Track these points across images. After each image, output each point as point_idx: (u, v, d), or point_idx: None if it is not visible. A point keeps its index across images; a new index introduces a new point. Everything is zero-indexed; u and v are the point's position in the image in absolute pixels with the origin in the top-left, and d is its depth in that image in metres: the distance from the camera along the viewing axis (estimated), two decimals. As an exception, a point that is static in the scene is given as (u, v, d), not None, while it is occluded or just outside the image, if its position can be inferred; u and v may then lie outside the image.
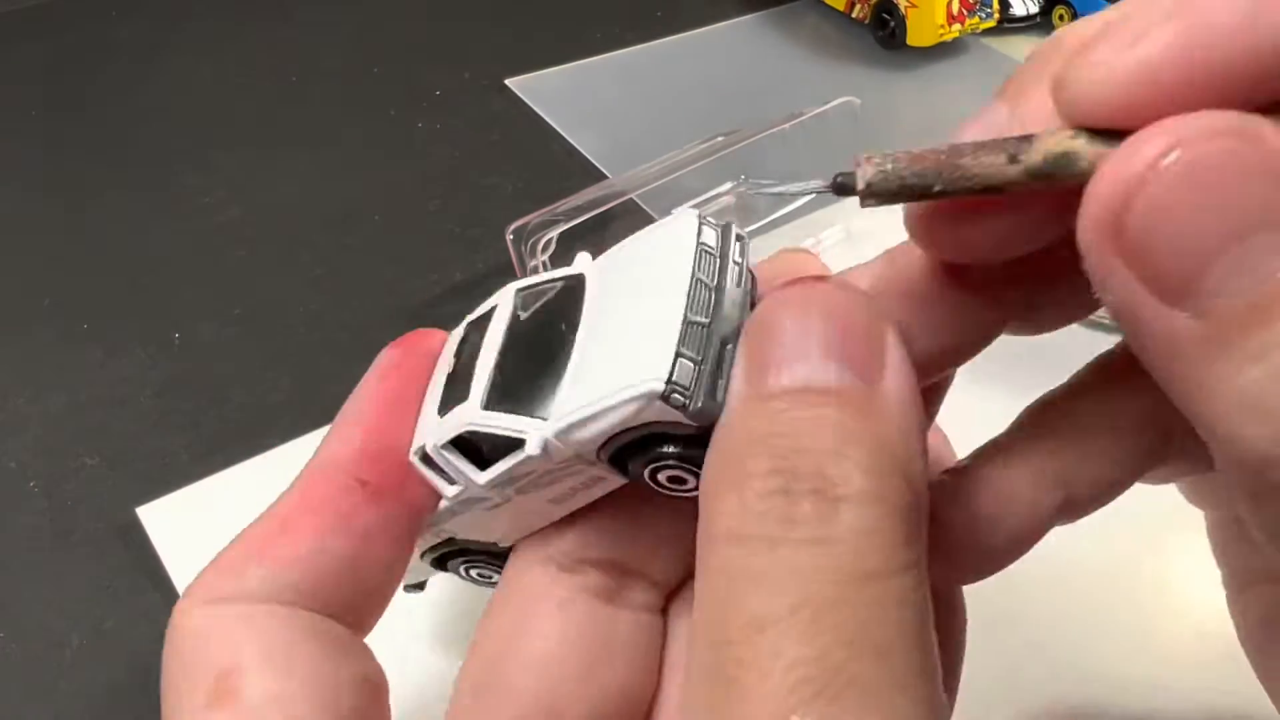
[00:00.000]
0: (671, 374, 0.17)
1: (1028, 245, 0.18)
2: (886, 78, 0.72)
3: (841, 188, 0.17)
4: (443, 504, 0.22)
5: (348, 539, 0.21)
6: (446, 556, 0.25)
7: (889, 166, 0.17)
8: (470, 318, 0.23)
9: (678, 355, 0.18)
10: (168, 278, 0.56)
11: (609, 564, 0.21)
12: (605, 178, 0.61)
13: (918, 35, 0.72)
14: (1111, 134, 0.15)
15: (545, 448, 0.19)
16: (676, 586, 0.22)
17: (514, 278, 0.23)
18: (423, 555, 0.26)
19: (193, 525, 0.42)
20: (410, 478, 0.22)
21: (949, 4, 0.71)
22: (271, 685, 0.19)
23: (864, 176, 0.17)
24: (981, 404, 0.26)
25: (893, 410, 0.16)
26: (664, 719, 0.21)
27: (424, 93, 0.70)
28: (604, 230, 0.50)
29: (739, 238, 0.20)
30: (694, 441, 0.18)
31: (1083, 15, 0.75)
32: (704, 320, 0.18)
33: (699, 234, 0.19)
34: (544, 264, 0.45)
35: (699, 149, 0.53)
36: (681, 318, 0.18)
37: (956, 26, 0.72)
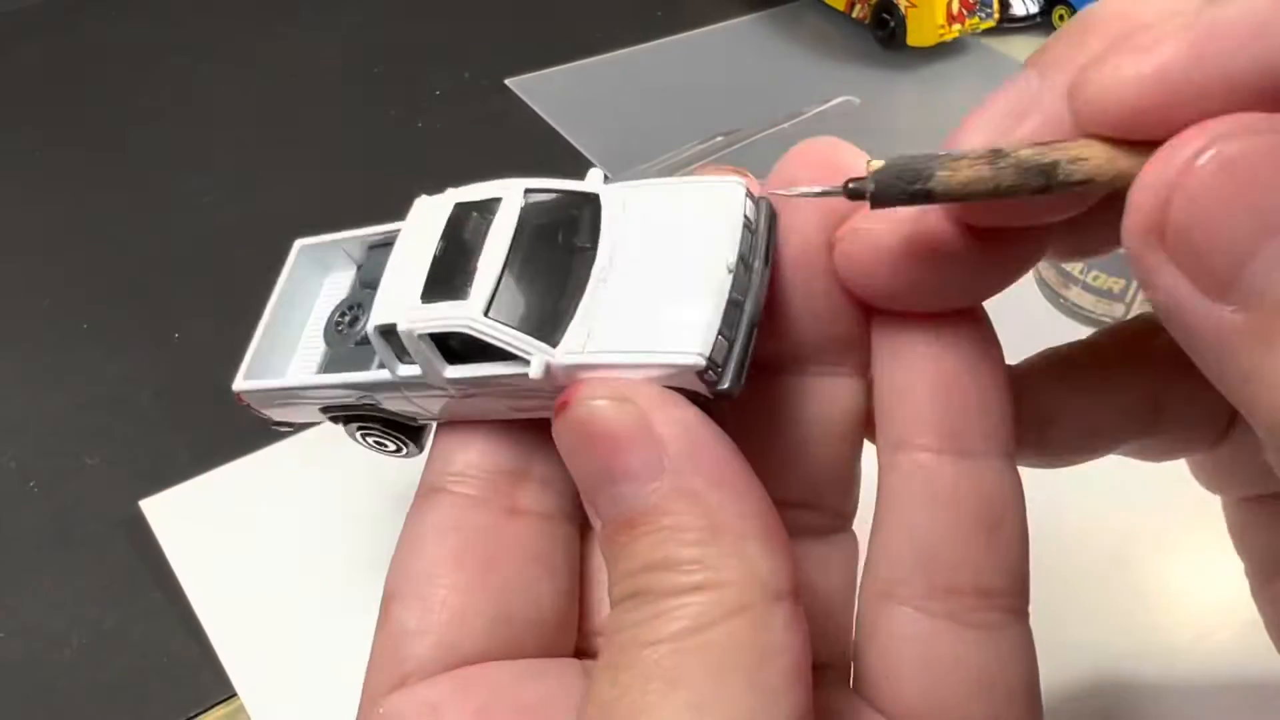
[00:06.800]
0: (712, 352, 0.18)
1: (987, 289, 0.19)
2: (886, 78, 0.72)
3: (854, 193, 0.18)
4: (380, 375, 0.22)
5: None
6: (350, 418, 0.25)
7: (897, 168, 0.17)
8: (461, 198, 0.22)
9: (719, 334, 0.19)
10: (168, 278, 0.56)
11: (503, 474, 0.22)
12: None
13: (918, 35, 0.72)
14: (1127, 143, 0.16)
15: (547, 373, 0.19)
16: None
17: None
18: (325, 409, 0.25)
19: (196, 518, 0.42)
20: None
21: (949, 4, 0.71)
22: None
23: (874, 180, 0.17)
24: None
25: None
26: (594, 624, 0.22)
27: (424, 93, 0.70)
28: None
29: (772, 215, 0.20)
30: (701, 403, 0.19)
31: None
32: (741, 299, 0.19)
33: (744, 207, 0.20)
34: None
35: (699, 149, 0.53)
36: (726, 297, 0.19)
37: (956, 26, 0.72)
